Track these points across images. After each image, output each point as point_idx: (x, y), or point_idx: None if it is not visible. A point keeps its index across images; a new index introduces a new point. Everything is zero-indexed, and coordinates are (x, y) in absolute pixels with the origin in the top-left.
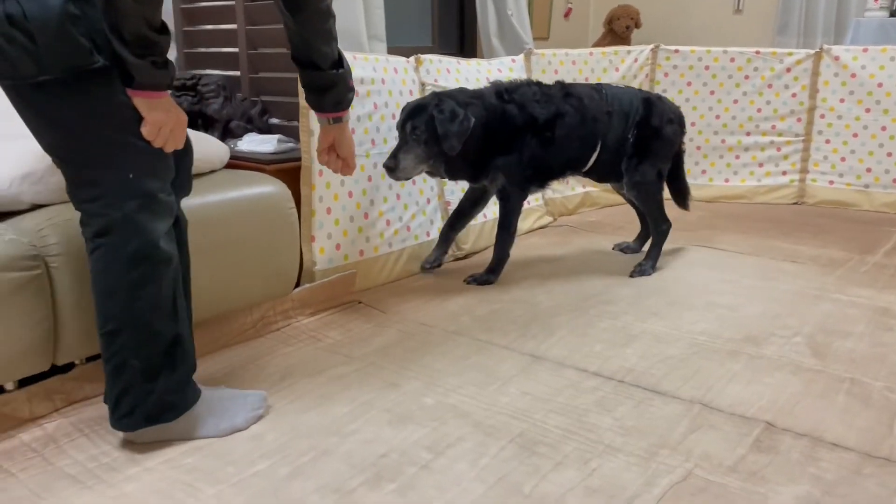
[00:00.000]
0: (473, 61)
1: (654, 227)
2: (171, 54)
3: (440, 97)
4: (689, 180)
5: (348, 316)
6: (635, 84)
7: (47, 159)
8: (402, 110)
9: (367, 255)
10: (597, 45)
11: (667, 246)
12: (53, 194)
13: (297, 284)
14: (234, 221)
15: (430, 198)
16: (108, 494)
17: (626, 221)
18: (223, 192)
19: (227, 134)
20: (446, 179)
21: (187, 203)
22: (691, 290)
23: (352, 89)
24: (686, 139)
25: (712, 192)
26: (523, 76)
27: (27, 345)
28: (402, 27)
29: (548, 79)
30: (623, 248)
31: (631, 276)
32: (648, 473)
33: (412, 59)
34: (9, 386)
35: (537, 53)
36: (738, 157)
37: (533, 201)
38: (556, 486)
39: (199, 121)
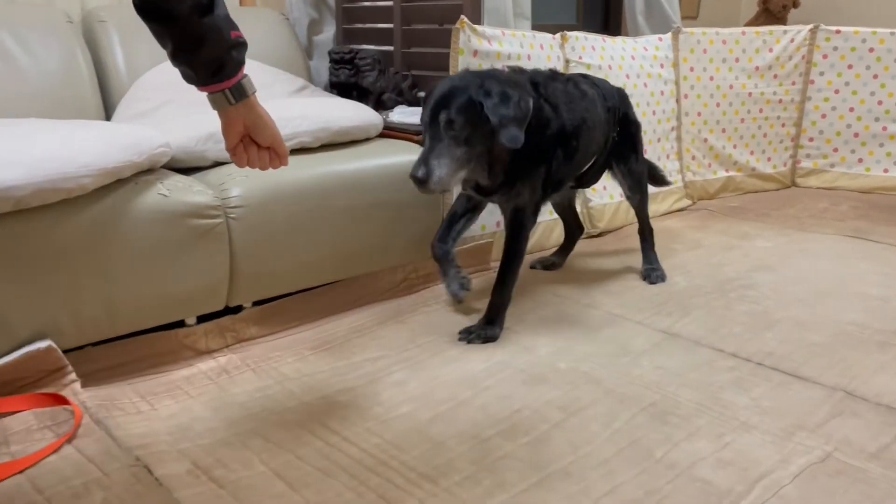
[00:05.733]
0: (619, 39)
1: (647, 223)
2: (331, 29)
3: (481, 76)
4: (843, 168)
5: (484, 282)
6: (790, 66)
7: None
8: (428, 96)
9: (504, 227)
10: (749, 24)
11: (816, 235)
12: None
13: None
14: (384, 186)
15: None
16: (272, 420)
17: (769, 208)
18: (376, 159)
19: (379, 105)
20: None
21: (344, 167)
22: (840, 280)
23: (237, 44)
24: (843, 125)
25: (868, 182)
26: (670, 56)
27: (207, 286)
28: (547, 4)
29: (696, 60)
30: (547, 266)
31: (652, 283)
32: (785, 452)
33: (558, 35)
34: (190, 321)
35: (686, 32)
36: None
37: (672, 183)
38: (687, 454)
39: (355, 92)
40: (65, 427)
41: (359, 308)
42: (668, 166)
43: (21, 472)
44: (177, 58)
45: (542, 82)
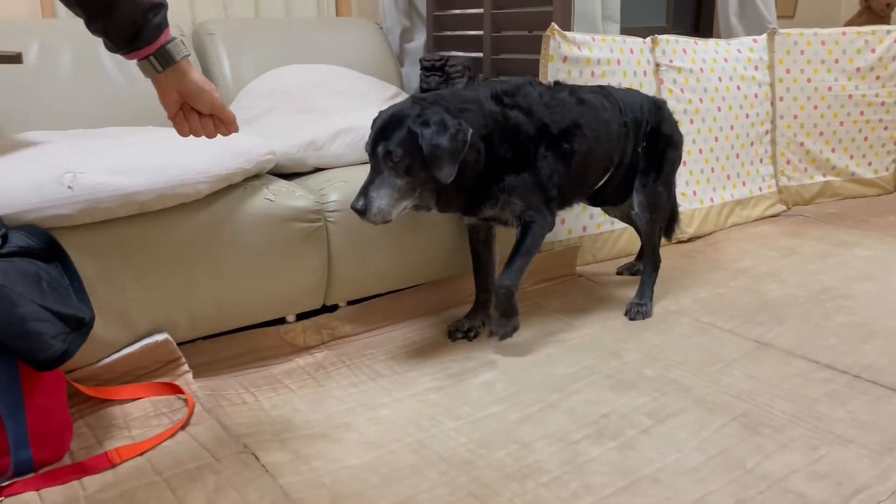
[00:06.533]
0: (711, 41)
1: (653, 256)
2: (422, 37)
3: (423, 104)
4: None
5: (568, 287)
6: (894, 67)
7: (330, 129)
8: (372, 125)
9: (590, 231)
10: (850, 23)
11: None
12: (332, 159)
13: None
14: None
15: None
16: (367, 416)
17: (869, 215)
18: None
19: None
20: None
21: None
22: None
23: (153, 6)
24: None
25: None
26: (765, 58)
27: (306, 285)
28: (636, 6)
29: (792, 61)
30: (634, 272)
31: (632, 319)
32: (882, 467)
33: (648, 39)
34: (290, 318)
35: (782, 33)
36: None
37: (766, 188)
38: (780, 465)
39: None
40: (179, 414)
41: (447, 309)
42: (760, 170)
43: (141, 454)
44: (92, 26)
45: (505, 92)
